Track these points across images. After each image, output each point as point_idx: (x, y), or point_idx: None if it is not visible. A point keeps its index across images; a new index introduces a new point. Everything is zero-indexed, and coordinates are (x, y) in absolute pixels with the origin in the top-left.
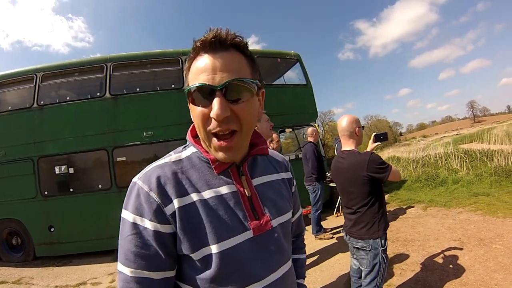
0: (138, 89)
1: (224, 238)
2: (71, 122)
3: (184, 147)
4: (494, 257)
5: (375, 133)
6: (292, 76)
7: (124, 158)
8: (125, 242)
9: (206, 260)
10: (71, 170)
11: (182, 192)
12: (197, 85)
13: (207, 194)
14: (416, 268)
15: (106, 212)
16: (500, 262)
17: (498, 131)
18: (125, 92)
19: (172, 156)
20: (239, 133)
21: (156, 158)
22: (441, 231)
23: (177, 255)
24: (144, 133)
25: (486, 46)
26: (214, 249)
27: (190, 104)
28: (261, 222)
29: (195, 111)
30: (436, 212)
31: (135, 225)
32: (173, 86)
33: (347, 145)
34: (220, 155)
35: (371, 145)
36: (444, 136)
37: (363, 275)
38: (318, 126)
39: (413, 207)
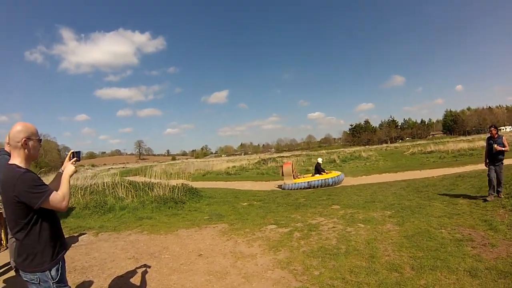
0: None
1: None
2: None
3: None
4: (165, 264)
5: (73, 150)
6: None
7: None
8: None
9: None
10: None
11: None
12: None
13: None
14: None
15: None
16: (171, 267)
17: (158, 169)
18: None
19: None
20: None
21: None
22: (116, 253)
23: None
24: None
25: (162, 100)
26: None
27: None
28: None
29: None
30: (107, 236)
31: None
32: None
33: (13, 158)
34: None
35: (66, 163)
36: (112, 168)
37: None
38: None
39: (85, 234)
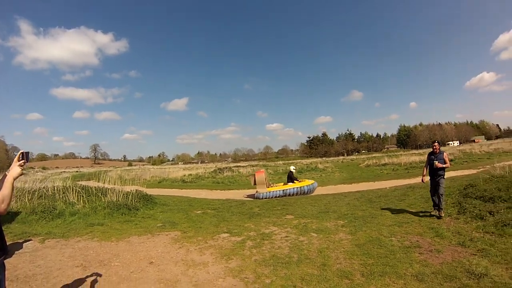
0: None
1: None
2: None
3: None
4: (115, 272)
5: (22, 151)
6: None
7: None
8: None
9: None
10: None
11: None
12: None
13: None
14: None
15: None
16: (121, 275)
17: (113, 174)
18: None
19: None
20: None
21: None
22: (63, 261)
23: None
24: None
25: (122, 104)
26: None
27: None
28: None
29: None
30: (55, 243)
31: None
32: None
33: None
34: None
35: (14, 164)
36: (65, 171)
37: None
38: None
39: (30, 240)
